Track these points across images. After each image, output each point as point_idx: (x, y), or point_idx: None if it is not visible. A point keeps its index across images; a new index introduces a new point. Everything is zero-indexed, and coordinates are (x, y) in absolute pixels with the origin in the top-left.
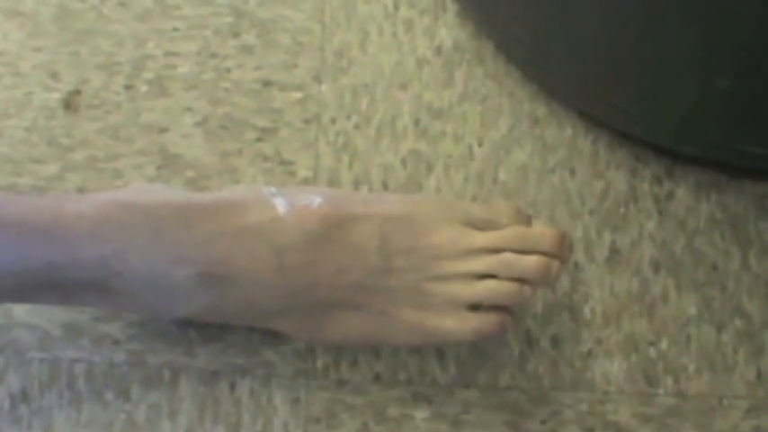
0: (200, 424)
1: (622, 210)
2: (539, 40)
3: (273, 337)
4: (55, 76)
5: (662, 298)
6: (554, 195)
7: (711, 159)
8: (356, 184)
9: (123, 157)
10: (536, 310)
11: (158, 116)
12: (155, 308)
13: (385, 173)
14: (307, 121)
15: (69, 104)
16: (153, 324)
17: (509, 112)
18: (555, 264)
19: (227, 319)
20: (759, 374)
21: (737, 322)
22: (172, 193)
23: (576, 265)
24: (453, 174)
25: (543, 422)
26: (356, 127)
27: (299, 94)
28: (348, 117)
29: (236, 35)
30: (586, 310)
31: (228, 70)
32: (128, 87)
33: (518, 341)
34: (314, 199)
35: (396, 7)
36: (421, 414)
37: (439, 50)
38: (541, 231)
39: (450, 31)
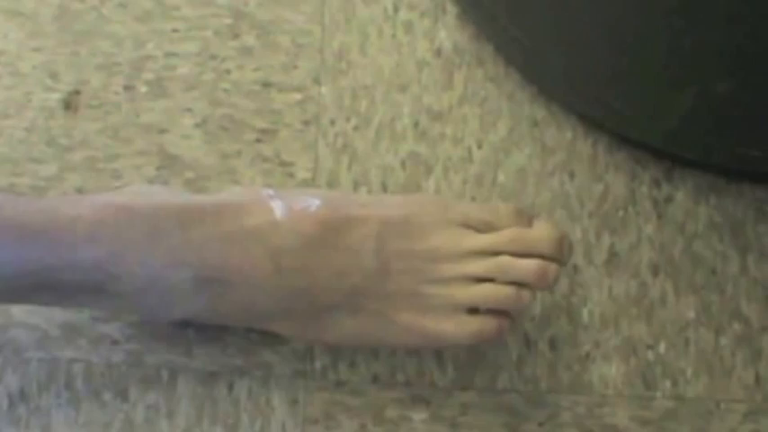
0: (198, 424)
1: (621, 213)
2: (538, 42)
3: (272, 338)
4: (54, 76)
5: (660, 301)
6: (553, 198)
7: (710, 163)
8: (355, 186)
9: (122, 158)
10: (534, 312)
11: (158, 117)
12: (151, 310)
13: (384, 174)
14: (306, 123)
15: (69, 105)
16: (151, 325)
17: (508, 114)
18: (553, 267)
19: (224, 322)
20: (757, 378)
21: (736, 326)
22: (170, 195)
23: (575, 267)
24: (452, 176)
25: (541, 424)
26: (355, 129)
27: (298, 96)
28: (347, 119)
29: (236, 36)
30: (585, 313)
31: (228, 71)
32: (127, 88)
33: (516, 343)
34: (311, 202)
35: (396, 9)
36: (419, 416)
37: (438, 53)
38: (540, 234)
39: (450, 33)
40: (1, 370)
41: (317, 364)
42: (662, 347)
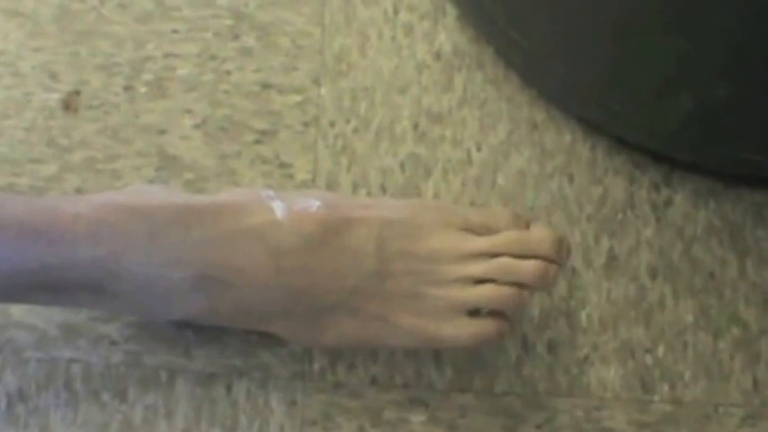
0: (196, 425)
1: (620, 216)
2: (538, 45)
3: (270, 340)
4: (54, 76)
5: (659, 305)
6: (552, 201)
7: (709, 167)
8: (355, 188)
9: (122, 158)
10: (533, 315)
11: (157, 117)
12: (151, 310)
13: (383, 176)
14: (306, 124)
15: (68, 105)
16: (150, 325)
17: (508, 117)
18: (552, 268)
19: (223, 322)
20: (755, 382)
21: (734, 330)
22: (169, 195)
23: (574, 270)
24: (452, 178)
25: (539, 427)
26: (355, 130)
27: (298, 97)
28: (347, 120)
29: (236, 38)
30: (583, 316)
31: (228, 72)
32: (127, 88)
33: (515, 346)
34: (311, 202)
35: (395, 11)
36: (417, 418)
37: (438, 55)
38: (539, 236)
39: (450, 35)
40: (0, 370)
41: (316, 366)
42: (660, 351)
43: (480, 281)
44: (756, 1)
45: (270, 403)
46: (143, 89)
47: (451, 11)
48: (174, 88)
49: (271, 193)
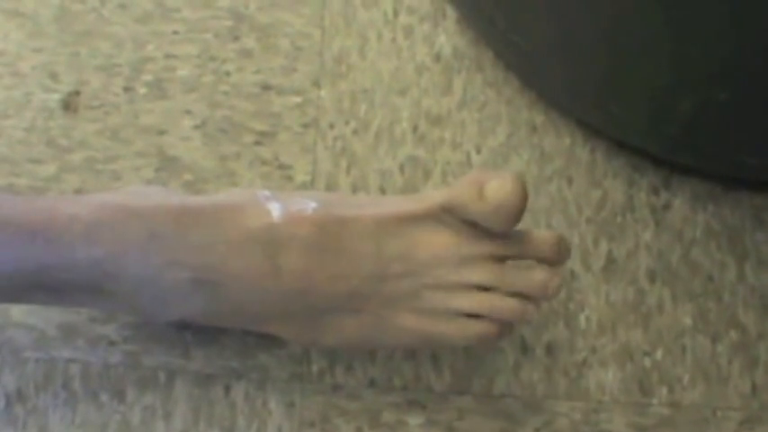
0: (194, 426)
1: (619, 219)
2: (537, 48)
3: (269, 341)
4: (54, 76)
5: (657, 308)
6: (551, 204)
7: (709, 170)
8: (354, 190)
9: (121, 159)
10: (531, 317)
11: (157, 118)
12: (148, 310)
13: (383, 178)
14: (305, 126)
15: (68, 105)
16: (149, 326)
17: (507, 119)
18: (556, 279)
19: (221, 323)
20: (754, 386)
21: (733, 334)
22: (167, 196)
23: (572, 273)
24: (451, 180)
25: (537, 430)
26: (354, 132)
27: (297, 99)
28: (347, 122)
29: (236, 39)
30: (582, 319)
31: (228, 74)
32: (127, 89)
33: (513, 349)
34: (308, 204)
35: (395, 14)
36: (415, 420)
37: (438, 57)
38: (539, 237)
39: (450, 38)
40: None
41: (314, 368)
42: (659, 354)
43: (481, 286)
44: (756, 4)
45: (268, 405)
46: (143, 90)
47: (451, 13)
48: (173, 89)
49: (267, 194)
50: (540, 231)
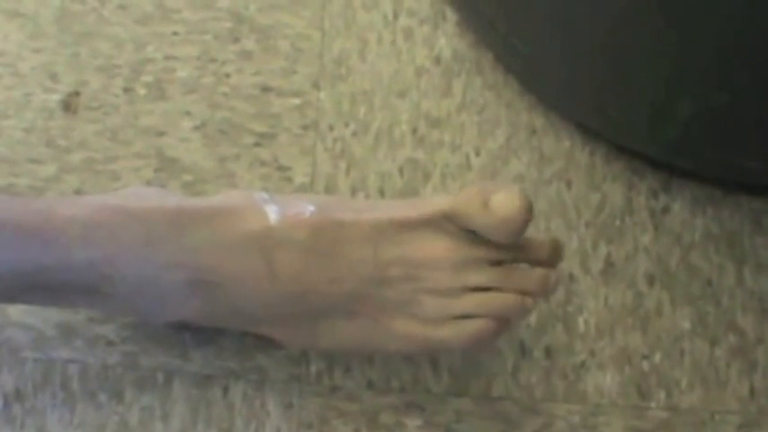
0: (192, 427)
1: (618, 222)
2: (537, 51)
3: (267, 342)
4: (54, 77)
5: (656, 311)
6: (550, 207)
7: (708, 174)
8: (353, 192)
9: (121, 160)
10: (530, 320)
11: (157, 119)
12: (146, 312)
13: (382, 180)
14: (305, 128)
15: (68, 106)
16: (147, 326)
17: (507, 122)
18: (554, 275)
19: (218, 324)
20: (752, 390)
21: (731, 337)
22: (165, 197)
23: (571, 276)
24: (450, 183)
25: None
26: (354, 134)
27: (297, 101)
28: (346, 124)
29: (236, 40)
30: (580, 322)
31: (227, 75)
32: (127, 90)
33: (511, 351)
34: (305, 207)
35: (395, 16)
36: (413, 422)
37: (438, 60)
38: (536, 241)
39: (450, 40)
40: None
41: (313, 369)
42: (657, 358)
43: (478, 288)
44: (756, 8)
45: (266, 406)
46: (142, 91)
47: (451, 16)
48: (173, 90)
49: (265, 196)
50: (535, 237)
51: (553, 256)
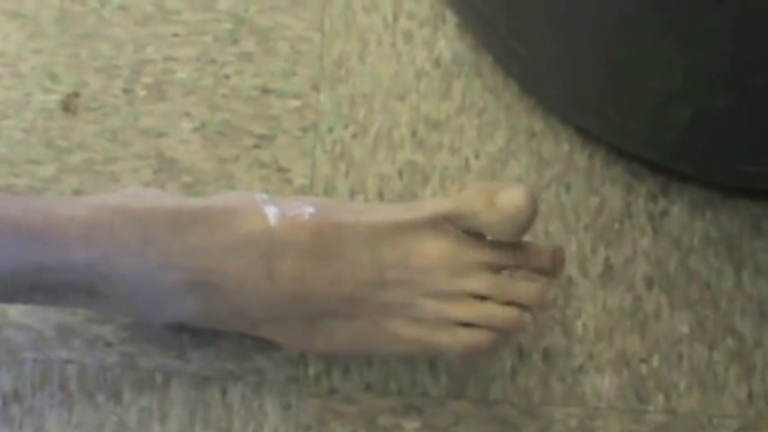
0: (190, 428)
1: (617, 226)
2: (536, 54)
3: (266, 344)
4: (54, 77)
5: (654, 315)
6: (549, 210)
7: (707, 177)
8: (352, 194)
9: (120, 161)
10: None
11: (156, 120)
12: (144, 312)
13: (381, 183)
14: (304, 130)
15: (68, 106)
16: (146, 327)
17: (506, 125)
18: (551, 290)
19: (217, 326)
20: (750, 394)
21: (729, 341)
22: (164, 198)
23: (570, 279)
24: (449, 185)
25: None
26: (353, 136)
27: (297, 102)
28: (345, 126)
29: (236, 42)
30: (579, 325)
31: (227, 77)
32: (126, 91)
33: (510, 354)
34: (304, 209)
35: (395, 18)
36: (411, 425)
37: (437, 62)
38: (536, 248)
39: (450, 43)
40: None
41: (311, 371)
42: (655, 361)
43: (476, 295)
44: (756, 13)
45: (264, 407)
46: (142, 92)
47: (451, 18)
48: (173, 91)
49: (265, 197)
50: (536, 243)
51: (555, 265)
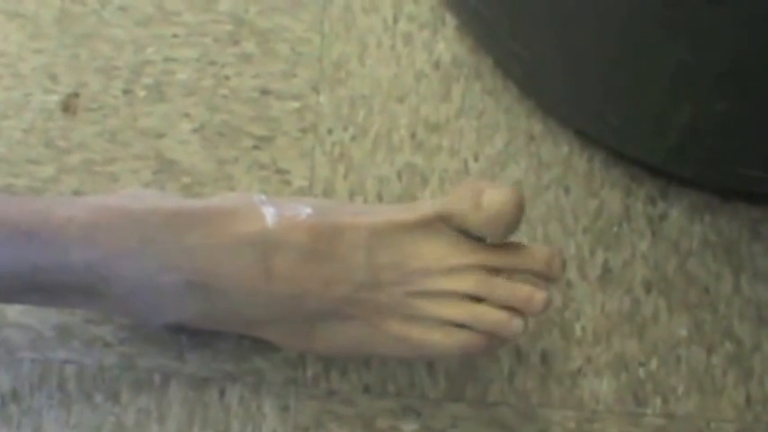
0: (188, 429)
1: (616, 229)
2: (536, 57)
3: (264, 345)
4: (54, 78)
5: (653, 318)
6: (548, 212)
7: (706, 181)
8: (351, 195)
9: (120, 161)
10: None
11: (156, 121)
12: (142, 313)
13: (380, 185)
14: (303, 131)
15: (67, 107)
16: (144, 328)
17: (505, 127)
18: (543, 295)
19: (215, 327)
20: (748, 398)
21: (728, 345)
22: (163, 199)
23: (568, 282)
24: (448, 188)
25: None
26: (353, 138)
27: (296, 104)
28: (345, 128)
29: (236, 43)
30: (577, 328)
31: (227, 78)
32: (126, 92)
33: (508, 357)
34: (302, 210)
35: (395, 20)
36: (409, 426)
37: (437, 64)
38: (533, 250)
39: (449, 45)
40: None
41: (309, 372)
42: (653, 364)
43: (471, 296)
44: (755, 16)
45: (262, 408)
46: (142, 93)
47: (451, 21)
48: (172, 92)
49: (263, 198)
50: (535, 245)
51: (551, 269)
